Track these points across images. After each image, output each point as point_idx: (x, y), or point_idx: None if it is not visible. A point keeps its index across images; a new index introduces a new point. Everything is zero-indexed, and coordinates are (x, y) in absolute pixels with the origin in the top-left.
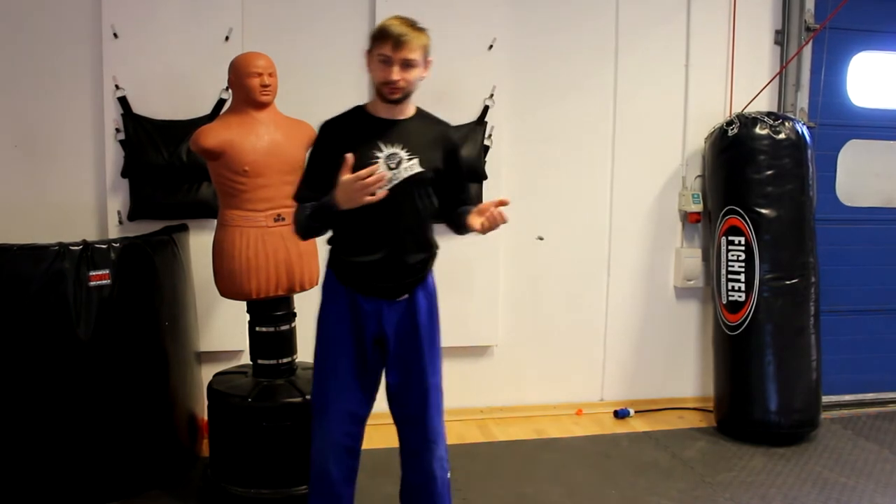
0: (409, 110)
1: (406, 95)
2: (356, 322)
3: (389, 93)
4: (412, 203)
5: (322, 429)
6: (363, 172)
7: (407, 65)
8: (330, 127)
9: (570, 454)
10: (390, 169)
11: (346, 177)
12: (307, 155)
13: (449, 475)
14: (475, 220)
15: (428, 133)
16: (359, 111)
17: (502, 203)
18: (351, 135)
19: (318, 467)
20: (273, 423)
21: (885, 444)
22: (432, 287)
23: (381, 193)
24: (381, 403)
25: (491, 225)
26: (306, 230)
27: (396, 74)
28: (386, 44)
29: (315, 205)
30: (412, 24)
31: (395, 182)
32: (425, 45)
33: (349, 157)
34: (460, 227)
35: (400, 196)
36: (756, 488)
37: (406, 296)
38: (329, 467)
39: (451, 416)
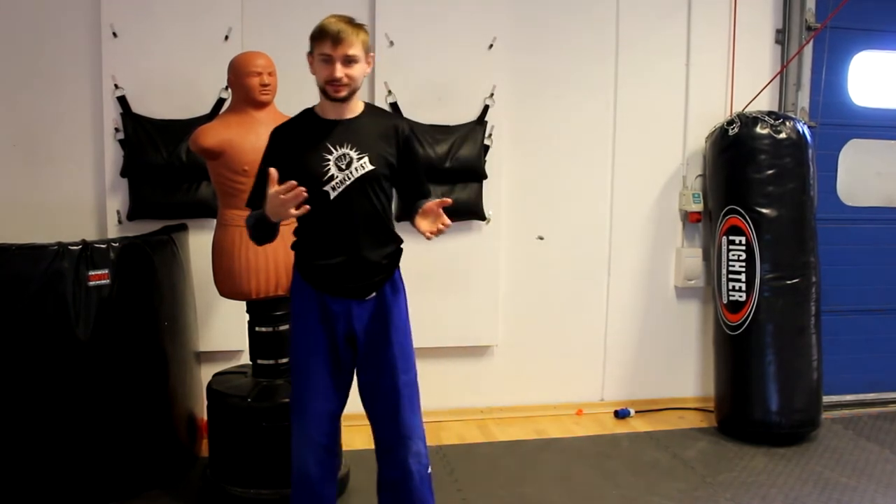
0: (356, 108)
1: (351, 93)
2: (327, 322)
3: (334, 91)
4: (369, 202)
5: (301, 430)
6: (282, 188)
7: (348, 61)
8: (279, 133)
9: (571, 454)
10: (341, 170)
11: (270, 191)
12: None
13: (430, 470)
14: (421, 223)
15: (377, 128)
16: (307, 114)
17: (444, 203)
18: (300, 139)
19: (299, 469)
20: (272, 423)
21: (887, 445)
22: (400, 283)
23: (304, 209)
24: None
25: (437, 233)
26: (254, 238)
27: (339, 72)
28: (325, 42)
29: (256, 214)
30: (350, 21)
31: (349, 182)
32: (365, 41)
33: (272, 171)
34: (410, 214)
35: (355, 196)
36: (757, 488)
37: (374, 294)
38: (310, 469)
39: (451, 416)
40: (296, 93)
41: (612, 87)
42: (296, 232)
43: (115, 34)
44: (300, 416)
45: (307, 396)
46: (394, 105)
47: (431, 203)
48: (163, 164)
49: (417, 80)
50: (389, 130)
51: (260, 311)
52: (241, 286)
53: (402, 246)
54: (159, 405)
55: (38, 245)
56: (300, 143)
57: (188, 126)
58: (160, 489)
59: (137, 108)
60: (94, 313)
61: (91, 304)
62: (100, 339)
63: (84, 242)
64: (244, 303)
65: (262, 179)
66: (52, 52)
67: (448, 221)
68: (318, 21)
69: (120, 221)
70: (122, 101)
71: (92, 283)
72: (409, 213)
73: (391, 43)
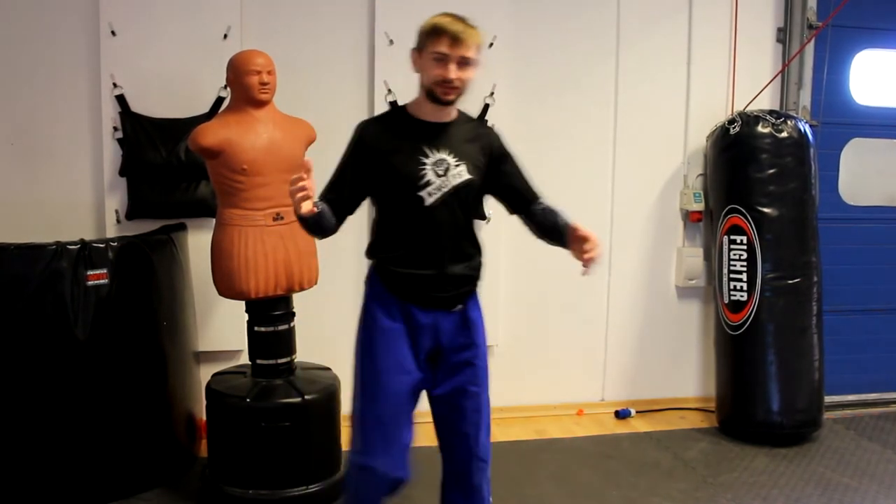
0: (453, 113)
1: (459, 97)
2: (412, 335)
3: (444, 93)
4: (461, 211)
5: (376, 462)
6: (294, 177)
7: (464, 63)
8: (369, 128)
9: (571, 455)
10: (438, 176)
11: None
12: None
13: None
14: (576, 251)
15: (472, 136)
16: (400, 112)
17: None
18: (392, 137)
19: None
20: (272, 423)
21: (889, 445)
22: (477, 296)
23: (312, 210)
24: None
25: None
26: (307, 230)
27: (454, 73)
28: (442, 41)
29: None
30: (467, 22)
31: (445, 190)
32: (479, 44)
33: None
34: (551, 235)
35: (449, 204)
36: (758, 489)
37: (461, 306)
38: None
39: None
40: (295, 91)
41: (612, 85)
42: (378, 238)
43: (113, 32)
44: (373, 445)
45: (390, 424)
46: (393, 104)
47: (587, 236)
48: (162, 163)
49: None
50: (482, 138)
51: (259, 310)
52: (241, 286)
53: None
54: (158, 405)
55: (37, 244)
56: (393, 142)
57: (187, 125)
58: (159, 489)
59: (136, 106)
60: (92, 313)
61: (89, 304)
62: (98, 339)
63: (82, 242)
64: (243, 302)
65: (343, 174)
66: (50, 50)
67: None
68: (318, 18)
69: (118, 221)
70: (121, 99)
71: (90, 283)
72: (530, 218)
73: (391, 41)
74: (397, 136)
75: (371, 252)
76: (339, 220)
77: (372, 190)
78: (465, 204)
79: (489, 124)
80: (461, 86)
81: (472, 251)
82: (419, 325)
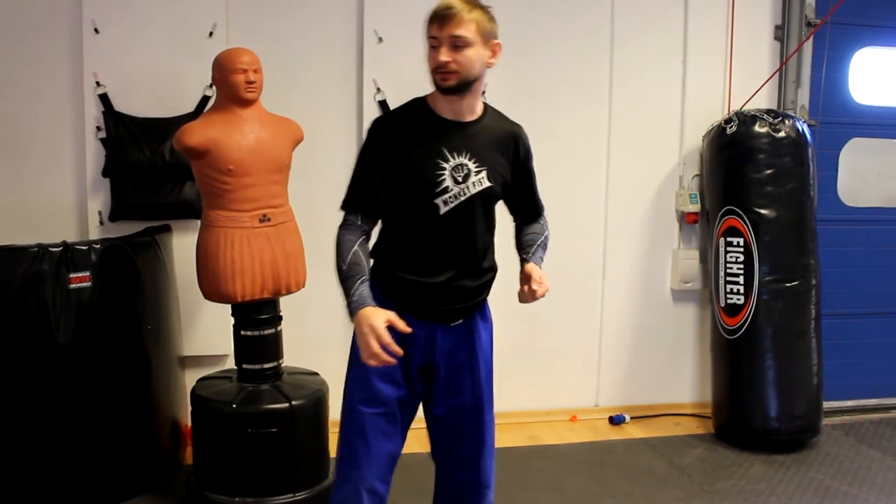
0: (476, 108)
1: (462, 83)
2: (404, 348)
3: (441, 79)
4: (479, 222)
5: (354, 470)
6: (386, 340)
7: (457, 44)
8: (385, 125)
9: (565, 461)
10: (457, 183)
11: (369, 335)
12: (357, 156)
13: None
14: (522, 282)
15: (496, 137)
16: (419, 106)
17: (536, 290)
18: (411, 137)
19: None
20: (258, 429)
21: (889, 452)
22: (488, 311)
23: (391, 360)
24: None
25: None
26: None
27: (444, 55)
28: (432, 24)
29: (349, 275)
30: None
31: (463, 199)
32: (479, 21)
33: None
34: (518, 252)
35: (466, 213)
36: (756, 497)
37: (461, 320)
38: None
39: None
40: (282, 90)
41: (606, 84)
42: (383, 240)
43: (96, 30)
44: (355, 453)
45: (373, 434)
46: (382, 103)
47: (533, 273)
48: (146, 163)
49: (407, 78)
50: (508, 142)
51: (245, 314)
52: (226, 289)
53: (496, 272)
54: (142, 411)
55: (18, 246)
56: (411, 142)
57: (172, 124)
58: (143, 497)
59: (120, 105)
60: (74, 317)
61: (72, 308)
62: (81, 344)
63: (64, 244)
64: (229, 306)
65: (364, 177)
66: (32, 47)
67: (540, 292)
68: (305, 15)
69: (101, 222)
70: (104, 98)
71: (73, 286)
72: (517, 241)
73: (380, 39)
74: (415, 136)
75: (374, 253)
76: (370, 234)
77: (387, 190)
78: (482, 214)
79: (517, 123)
80: (459, 69)
81: (486, 266)
82: (412, 337)
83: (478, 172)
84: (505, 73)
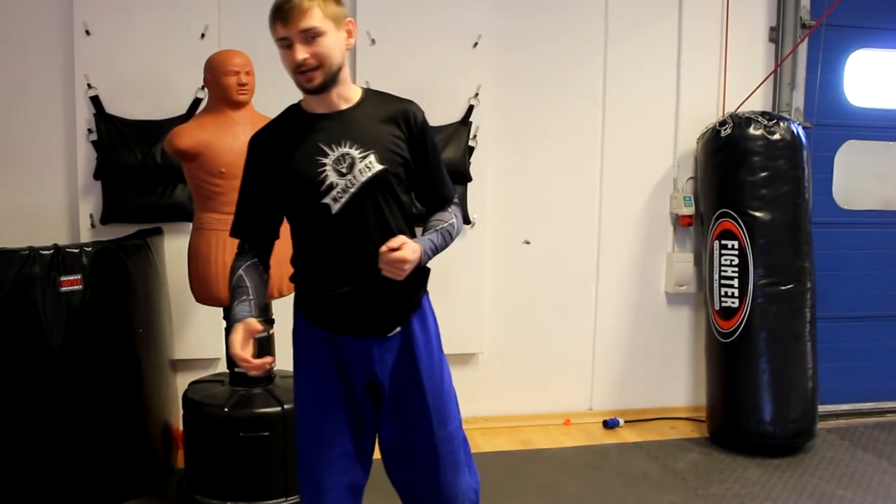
0: (351, 95)
1: (328, 78)
2: (341, 369)
3: (305, 81)
4: (380, 211)
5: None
6: (243, 358)
7: (309, 37)
8: (260, 139)
9: (558, 465)
10: (342, 175)
11: (235, 348)
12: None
13: None
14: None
15: (382, 117)
16: (292, 111)
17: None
18: (286, 142)
19: None
20: (250, 433)
21: (884, 456)
22: (429, 313)
23: (261, 369)
24: None
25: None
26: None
27: (300, 53)
28: (276, 25)
29: (231, 298)
30: None
31: (353, 190)
32: (322, 5)
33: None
34: None
35: (363, 206)
36: (750, 501)
37: (398, 328)
38: None
39: None
40: (274, 92)
41: (600, 86)
42: (294, 259)
43: (87, 32)
44: (313, 493)
45: (322, 469)
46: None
47: (392, 241)
48: (137, 165)
49: (400, 80)
50: (398, 117)
51: None
52: (218, 292)
53: (428, 266)
54: (133, 415)
55: (8, 249)
56: (287, 148)
57: (163, 127)
58: (134, 501)
59: (111, 108)
60: (65, 320)
61: (63, 311)
62: (72, 347)
63: (56, 247)
64: (221, 309)
65: (247, 200)
66: (23, 50)
67: (387, 258)
68: None
69: (93, 225)
70: (95, 100)
71: (64, 289)
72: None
73: (373, 41)
74: (291, 139)
75: (291, 277)
76: (266, 255)
77: (279, 205)
78: (383, 201)
79: (409, 100)
80: (320, 62)
81: None
82: (346, 357)
83: (363, 158)
84: (498, 75)
